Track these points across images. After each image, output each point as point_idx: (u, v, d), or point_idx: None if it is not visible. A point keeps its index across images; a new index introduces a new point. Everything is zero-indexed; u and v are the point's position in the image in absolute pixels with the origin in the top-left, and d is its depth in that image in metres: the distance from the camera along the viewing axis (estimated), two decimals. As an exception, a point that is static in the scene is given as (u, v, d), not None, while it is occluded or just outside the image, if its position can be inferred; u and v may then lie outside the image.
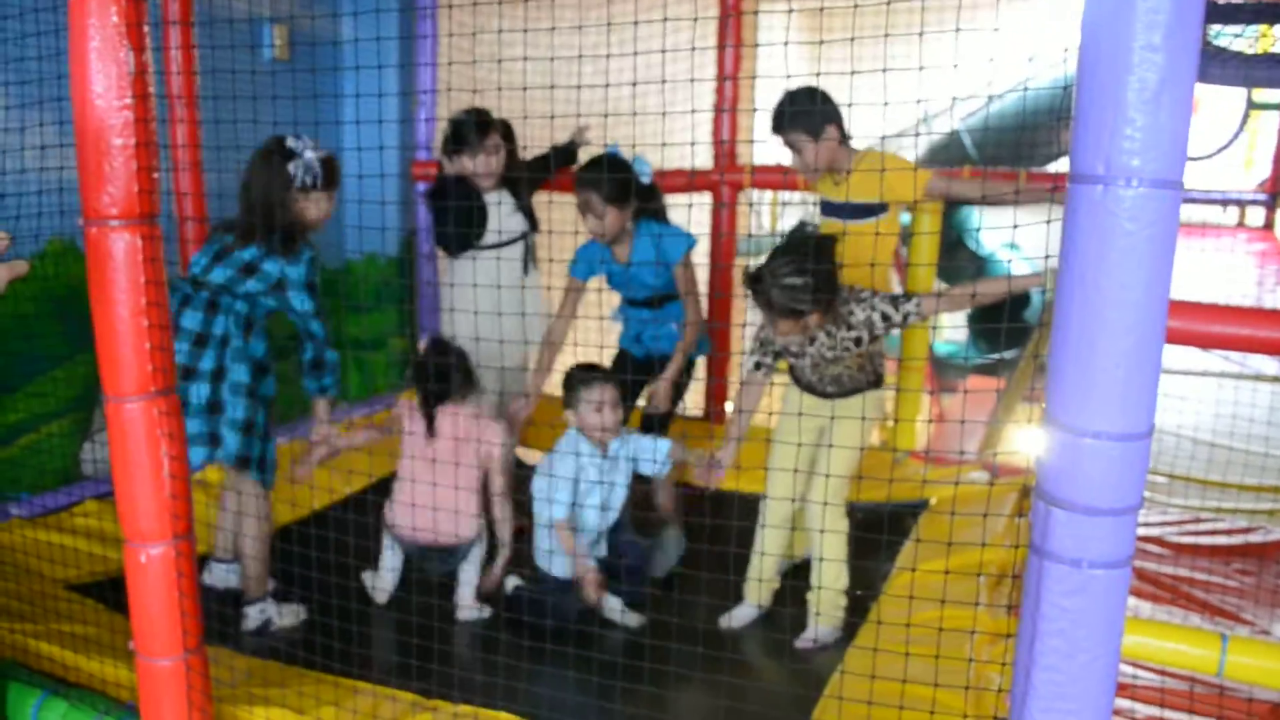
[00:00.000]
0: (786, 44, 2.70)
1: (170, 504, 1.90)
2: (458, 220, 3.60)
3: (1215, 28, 3.65)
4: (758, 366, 2.96)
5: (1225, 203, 9.21)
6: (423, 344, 3.37)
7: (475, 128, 3.56)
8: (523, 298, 3.74)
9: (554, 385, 3.37)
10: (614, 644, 2.89)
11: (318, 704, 2.27)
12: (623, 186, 3.26)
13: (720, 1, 4.37)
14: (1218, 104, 7.83)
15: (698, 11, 2.97)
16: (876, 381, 3.02)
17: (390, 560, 3.13)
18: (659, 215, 3.51)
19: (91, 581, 3.01)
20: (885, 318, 2.76)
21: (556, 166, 3.93)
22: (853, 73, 3.32)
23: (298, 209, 2.87)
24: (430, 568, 3.11)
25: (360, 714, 2.26)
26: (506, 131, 3.71)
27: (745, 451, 3.45)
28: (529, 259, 3.83)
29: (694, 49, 3.01)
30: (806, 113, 2.96)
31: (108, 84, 1.73)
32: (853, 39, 2.86)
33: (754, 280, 2.69)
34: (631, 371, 3.58)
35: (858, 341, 2.81)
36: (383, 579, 3.12)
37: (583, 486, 3.01)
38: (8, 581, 2.82)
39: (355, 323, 4.94)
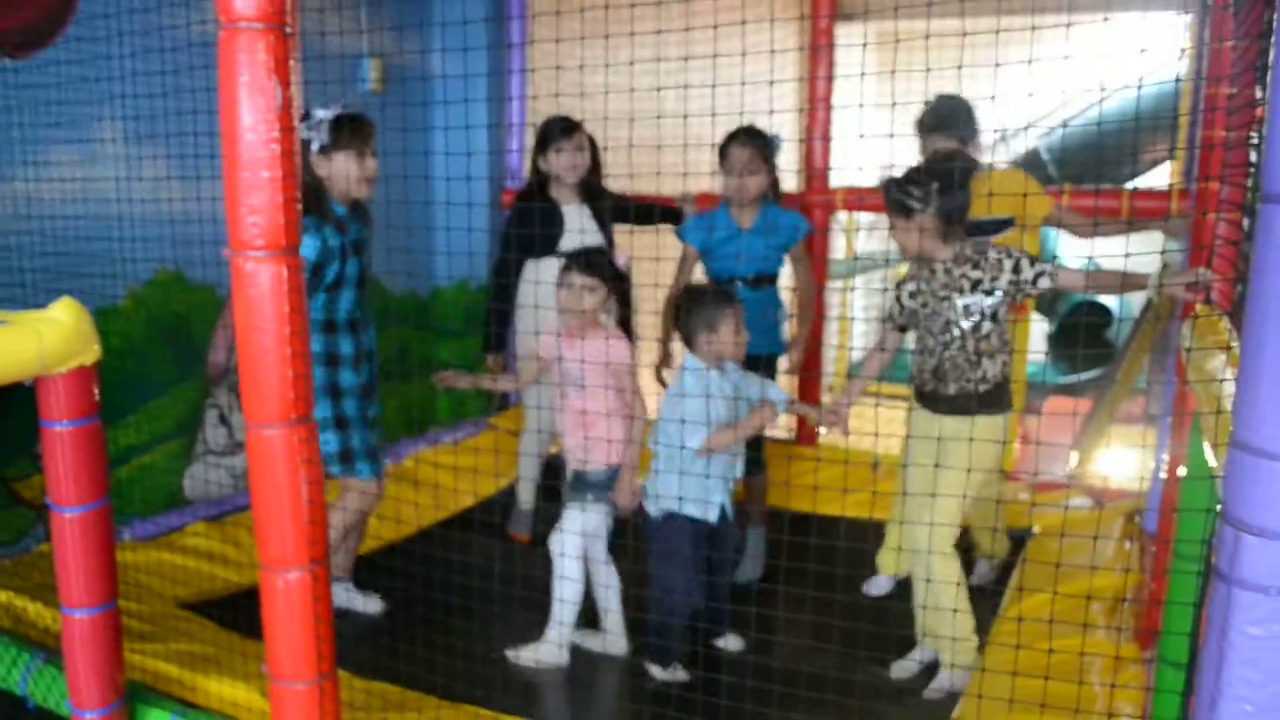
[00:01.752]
0: (865, 73, 2.74)
1: (308, 529, 1.92)
2: (541, 221, 3.61)
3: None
4: (887, 319, 2.96)
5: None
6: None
7: (560, 126, 3.64)
8: None
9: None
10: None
11: (441, 728, 2.29)
12: (773, 150, 3.45)
13: (813, 30, 4.38)
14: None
15: (780, 41, 3.02)
16: (997, 397, 2.84)
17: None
18: (779, 199, 3.58)
19: (202, 600, 3.08)
20: (1016, 268, 2.69)
21: (657, 221, 3.90)
22: (932, 98, 3.34)
23: (320, 174, 2.85)
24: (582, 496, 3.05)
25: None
26: (593, 149, 3.75)
27: (823, 472, 3.47)
28: None
29: (772, 82, 3.02)
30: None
31: (256, 118, 1.77)
32: (928, 70, 2.88)
33: (884, 189, 2.79)
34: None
35: (977, 284, 2.71)
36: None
37: (714, 415, 2.91)
38: (129, 601, 2.88)
39: (445, 347, 5.01)
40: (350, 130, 2.87)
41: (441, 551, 3.30)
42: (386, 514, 3.64)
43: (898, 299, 2.91)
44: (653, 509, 2.97)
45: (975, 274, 2.72)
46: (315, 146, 2.83)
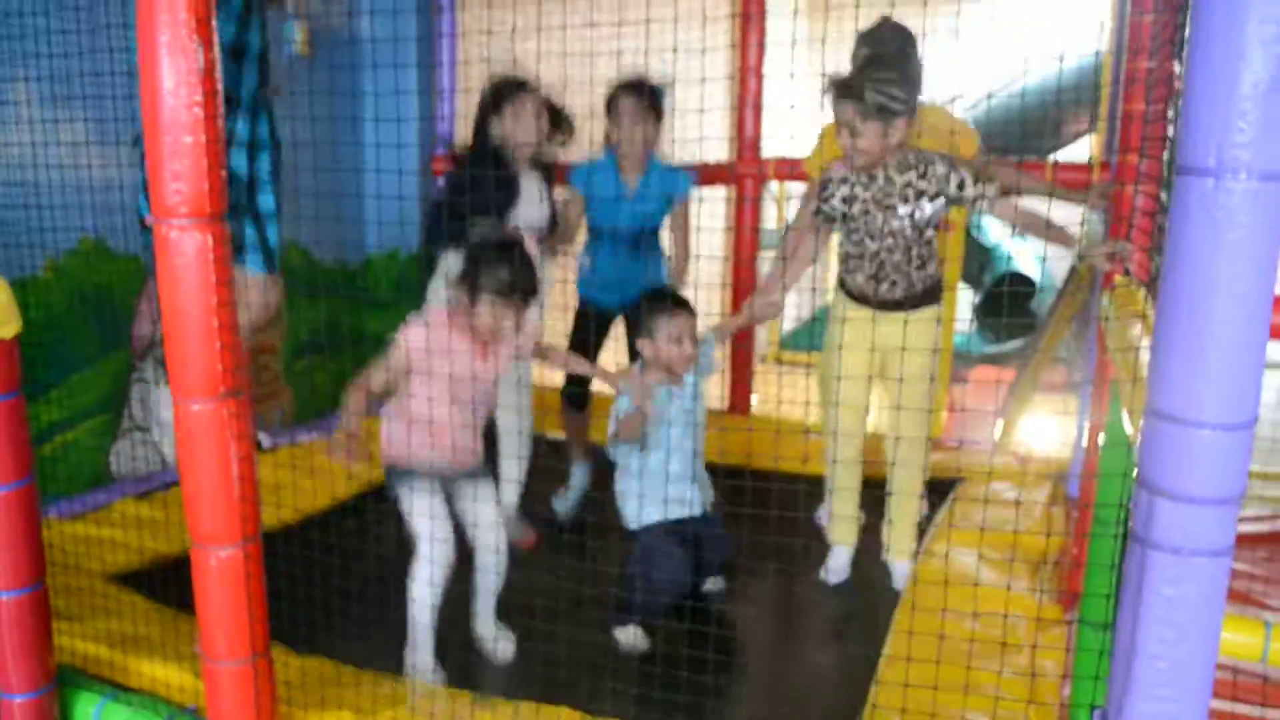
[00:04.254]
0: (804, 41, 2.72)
1: (239, 506, 1.90)
2: (492, 189, 3.27)
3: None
4: (817, 213, 2.86)
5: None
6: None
7: (518, 84, 3.31)
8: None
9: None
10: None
11: (375, 704, 2.28)
12: (661, 101, 3.40)
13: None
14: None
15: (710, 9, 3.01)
16: (935, 291, 2.91)
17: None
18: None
19: (131, 572, 3.02)
20: (961, 185, 2.71)
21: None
22: (862, 67, 3.36)
23: None
24: None
25: (419, 713, 2.27)
26: (557, 117, 3.45)
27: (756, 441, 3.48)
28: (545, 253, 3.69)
29: (704, 50, 3.02)
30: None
31: (178, 80, 1.72)
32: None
33: (844, 85, 2.69)
34: (597, 323, 3.57)
35: (921, 193, 2.73)
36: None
37: (666, 428, 2.89)
38: (54, 578, 2.82)
39: (376, 318, 4.95)
40: None
41: (374, 523, 3.27)
42: (310, 487, 3.61)
43: (826, 201, 2.85)
44: (633, 523, 2.94)
45: (921, 184, 2.73)
46: None
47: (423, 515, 2.61)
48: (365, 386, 2.64)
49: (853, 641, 2.85)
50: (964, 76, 8.24)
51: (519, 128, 3.29)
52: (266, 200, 2.84)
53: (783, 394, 2.99)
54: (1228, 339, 1.15)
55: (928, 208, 2.74)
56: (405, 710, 2.27)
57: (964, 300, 9.37)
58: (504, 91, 3.29)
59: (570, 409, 3.82)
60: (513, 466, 3.52)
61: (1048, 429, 5.18)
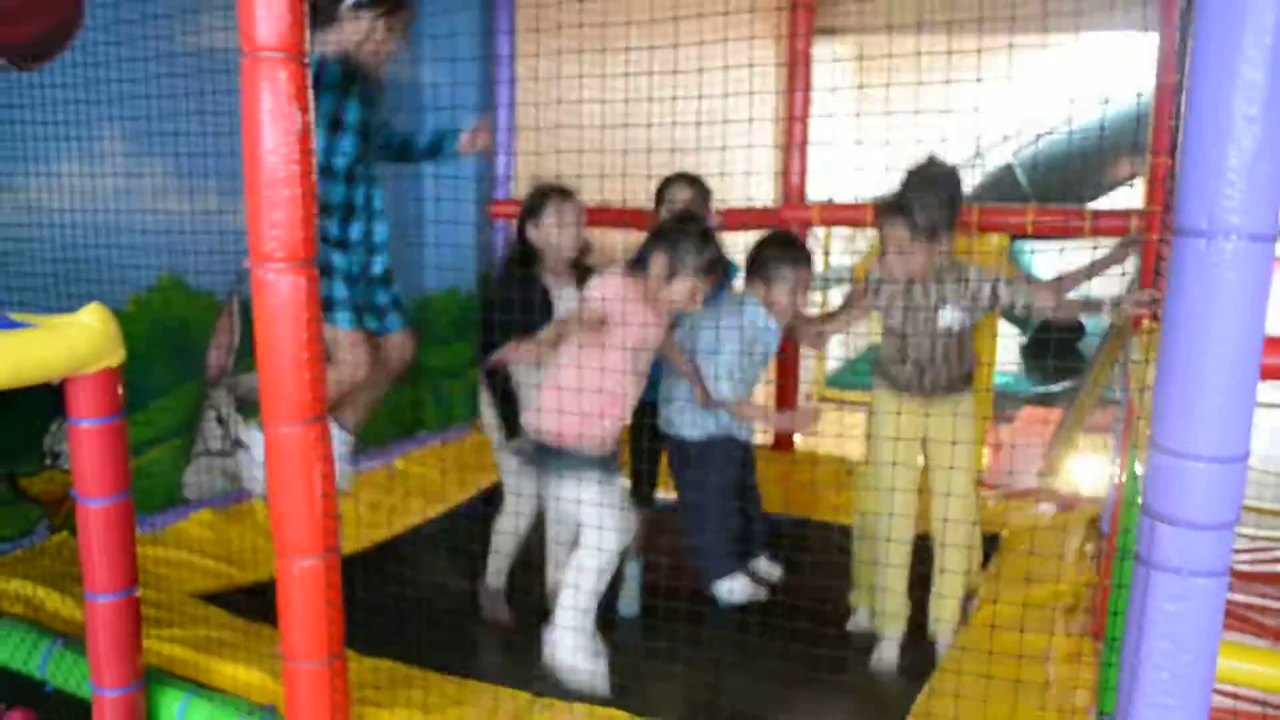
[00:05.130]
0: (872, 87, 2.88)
1: (322, 521, 2.08)
2: (523, 305, 3.02)
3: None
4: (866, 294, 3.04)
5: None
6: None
7: (558, 191, 3.24)
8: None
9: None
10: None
11: (444, 704, 2.44)
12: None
13: (789, 49, 4.56)
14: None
15: (757, 57, 3.17)
16: (968, 379, 3.06)
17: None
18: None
19: (209, 593, 3.22)
20: (995, 292, 2.85)
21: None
22: (916, 111, 3.52)
23: (345, 30, 2.76)
24: None
25: (483, 710, 2.43)
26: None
27: (822, 475, 3.59)
28: None
29: (752, 94, 3.17)
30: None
31: (278, 141, 1.92)
32: (920, 83, 3.05)
33: (894, 207, 2.83)
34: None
35: (954, 301, 2.88)
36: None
37: (754, 358, 2.97)
38: (146, 590, 3.02)
39: (434, 354, 5.16)
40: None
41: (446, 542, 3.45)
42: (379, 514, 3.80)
43: (873, 291, 3.04)
44: (694, 433, 2.98)
45: (954, 290, 2.88)
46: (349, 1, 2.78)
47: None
48: (550, 340, 2.71)
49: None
50: (1014, 121, 8.38)
51: (562, 235, 3.23)
52: (379, 263, 2.98)
53: (828, 430, 3.09)
54: (1221, 381, 1.29)
55: (962, 314, 2.90)
56: (470, 709, 2.43)
57: (1013, 343, 9.45)
58: (545, 197, 3.22)
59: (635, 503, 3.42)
60: (509, 542, 3.41)
61: (1091, 468, 5.26)
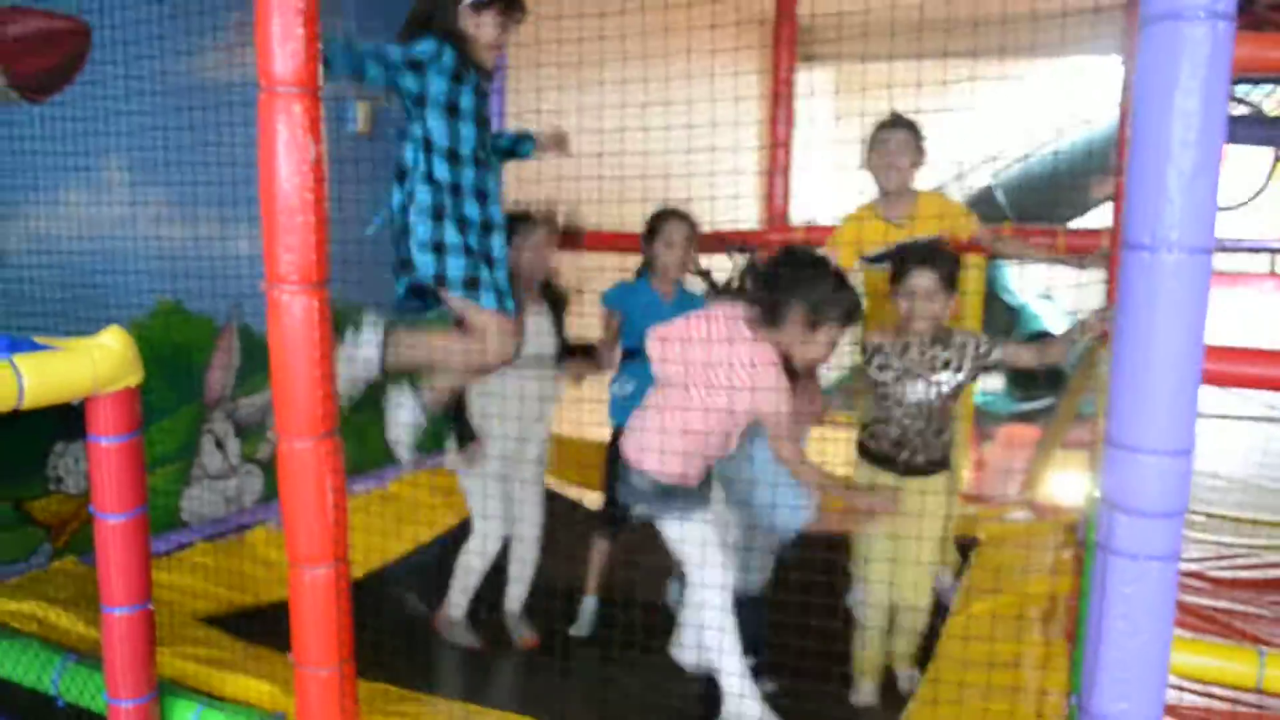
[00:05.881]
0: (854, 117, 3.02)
1: (333, 530, 2.18)
2: None
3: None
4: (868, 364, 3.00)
5: (1257, 250, 9.60)
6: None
7: (524, 218, 3.34)
8: (540, 410, 3.50)
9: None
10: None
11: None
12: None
13: (774, 77, 4.72)
14: (1246, 157, 8.15)
15: (740, 83, 3.31)
16: (948, 458, 3.10)
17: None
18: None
19: (212, 616, 3.31)
20: (978, 350, 2.91)
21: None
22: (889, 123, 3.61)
23: (464, 25, 2.82)
24: None
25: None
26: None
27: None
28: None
29: (737, 124, 3.29)
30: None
31: (292, 171, 2.04)
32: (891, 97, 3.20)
33: (928, 254, 2.92)
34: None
35: (947, 364, 2.91)
36: None
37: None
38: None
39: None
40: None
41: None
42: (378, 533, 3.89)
43: (865, 369, 3.02)
44: (795, 523, 2.78)
45: (945, 354, 2.93)
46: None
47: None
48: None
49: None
50: (994, 142, 8.57)
51: (533, 260, 3.34)
52: (498, 246, 2.94)
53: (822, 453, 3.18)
54: (1167, 381, 1.42)
55: (952, 379, 2.94)
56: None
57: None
58: (514, 224, 3.24)
59: (603, 534, 3.65)
60: (476, 575, 3.49)
61: (1071, 483, 5.38)
